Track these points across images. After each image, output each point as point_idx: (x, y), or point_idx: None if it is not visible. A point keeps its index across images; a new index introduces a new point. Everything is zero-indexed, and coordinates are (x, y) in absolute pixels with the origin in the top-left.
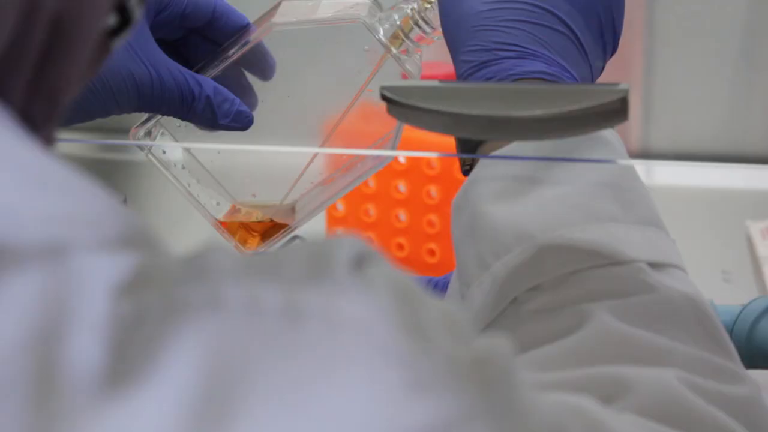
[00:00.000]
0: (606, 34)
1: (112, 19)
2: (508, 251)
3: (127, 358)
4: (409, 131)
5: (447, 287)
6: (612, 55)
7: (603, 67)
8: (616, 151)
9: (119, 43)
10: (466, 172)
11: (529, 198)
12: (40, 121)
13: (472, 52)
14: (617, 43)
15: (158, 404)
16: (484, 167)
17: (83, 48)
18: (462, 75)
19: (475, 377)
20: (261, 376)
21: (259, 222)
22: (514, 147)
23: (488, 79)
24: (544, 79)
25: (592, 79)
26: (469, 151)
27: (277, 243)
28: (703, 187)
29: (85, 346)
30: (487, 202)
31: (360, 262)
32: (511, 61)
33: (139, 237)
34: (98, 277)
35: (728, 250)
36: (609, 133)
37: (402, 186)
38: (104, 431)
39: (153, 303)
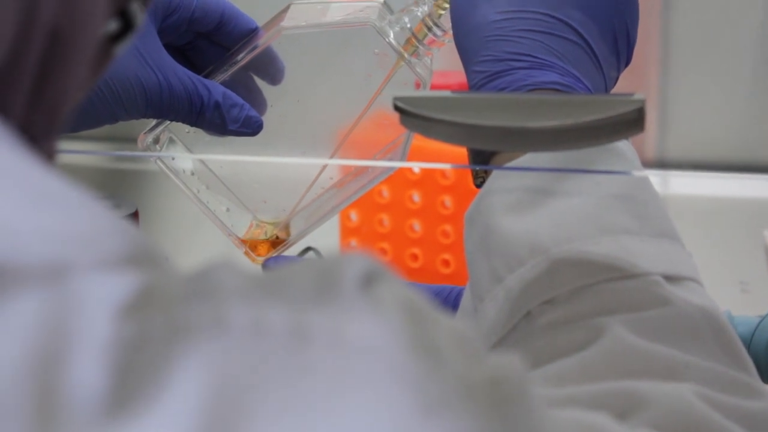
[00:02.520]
0: (620, 44)
1: (113, 25)
2: (522, 264)
3: (130, 382)
4: (423, 140)
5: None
6: (626, 65)
7: (617, 78)
8: (630, 162)
9: (122, 49)
10: (479, 185)
11: (542, 210)
12: (40, 134)
13: (485, 63)
14: (632, 53)
15: (162, 430)
16: (497, 179)
17: (82, 58)
18: (474, 85)
19: (489, 398)
20: (267, 399)
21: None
22: (528, 158)
23: (501, 89)
24: (557, 90)
25: (606, 90)
26: (482, 163)
27: (287, 250)
28: (719, 196)
29: (87, 370)
30: (500, 214)
31: (369, 281)
32: (524, 71)
33: (142, 255)
34: (100, 299)
35: (746, 260)
36: (623, 144)
37: (416, 196)
38: None
39: (156, 324)
